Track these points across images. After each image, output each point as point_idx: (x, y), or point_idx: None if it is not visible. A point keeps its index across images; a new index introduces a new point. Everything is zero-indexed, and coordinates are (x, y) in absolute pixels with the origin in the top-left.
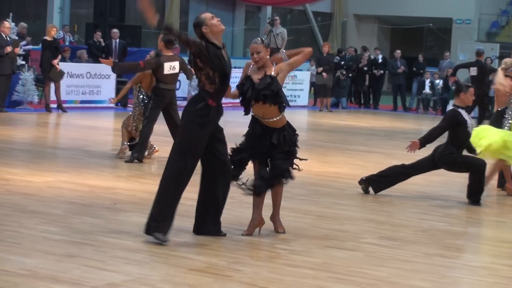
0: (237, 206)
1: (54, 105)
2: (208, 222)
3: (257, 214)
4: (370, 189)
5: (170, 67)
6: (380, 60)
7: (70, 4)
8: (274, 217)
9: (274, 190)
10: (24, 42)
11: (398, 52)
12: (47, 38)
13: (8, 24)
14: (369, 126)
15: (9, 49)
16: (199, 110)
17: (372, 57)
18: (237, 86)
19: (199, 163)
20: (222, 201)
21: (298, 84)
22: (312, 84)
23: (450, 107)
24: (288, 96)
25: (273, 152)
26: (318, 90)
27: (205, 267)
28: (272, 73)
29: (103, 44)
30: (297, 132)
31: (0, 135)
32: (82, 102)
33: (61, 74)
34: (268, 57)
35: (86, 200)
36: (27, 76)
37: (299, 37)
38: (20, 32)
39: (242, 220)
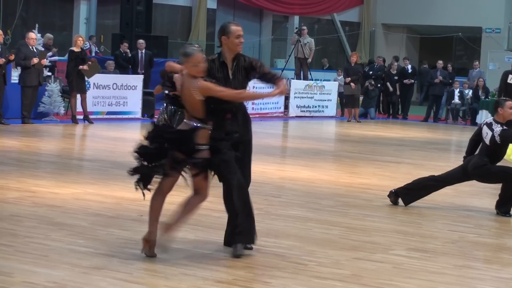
0: (264, 217)
1: (81, 117)
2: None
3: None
4: (400, 200)
5: None
6: (410, 70)
7: (96, 14)
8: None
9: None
10: (50, 53)
11: (440, 63)
12: (74, 49)
13: (33, 35)
14: (398, 137)
15: (35, 60)
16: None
17: (401, 66)
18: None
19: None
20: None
21: (326, 94)
22: (340, 94)
23: (482, 117)
24: (315, 107)
25: None
26: (346, 101)
27: (233, 279)
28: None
29: (130, 55)
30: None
31: (27, 146)
32: (108, 113)
33: (95, 68)
34: None
35: (113, 212)
36: (53, 87)
37: (327, 46)
38: (46, 43)
39: (270, 231)
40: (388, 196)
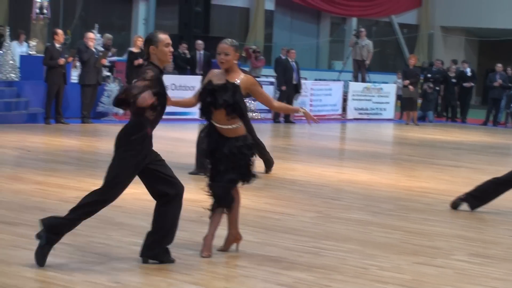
0: (324, 220)
1: None
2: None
3: (233, 229)
4: (460, 204)
5: None
6: (468, 73)
7: (155, 15)
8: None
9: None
10: (109, 53)
11: (499, 66)
12: (134, 49)
13: (92, 35)
14: (456, 140)
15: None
16: (136, 140)
17: (461, 69)
18: (199, 92)
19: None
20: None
21: (384, 97)
22: (398, 97)
23: None
24: (373, 109)
25: (221, 162)
26: (404, 103)
27: (294, 282)
28: (237, 81)
29: (188, 55)
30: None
31: (86, 146)
32: (167, 113)
33: None
34: (236, 62)
35: None
36: (113, 87)
37: (384, 49)
38: (105, 43)
39: (330, 234)
40: (455, 203)
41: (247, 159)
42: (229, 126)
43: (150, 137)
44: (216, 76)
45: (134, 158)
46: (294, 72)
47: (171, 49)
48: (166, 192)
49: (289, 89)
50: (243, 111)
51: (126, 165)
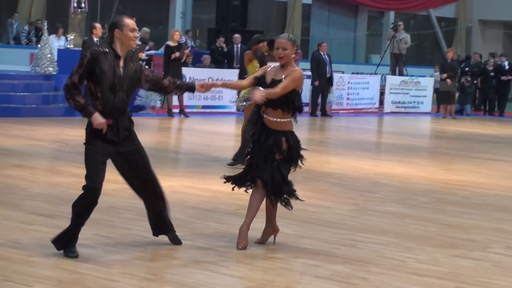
0: (361, 213)
1: (176, 110)
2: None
3: (271, 221)
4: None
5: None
6: (506, 67)
7: (192, 9)
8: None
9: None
10: (147, 47)
11: None
12: (170, 43)
13: None
14: (494, 134)
15: (141, 54)
16: (94, 130)
17: (498, 63)
18: (254, 81)
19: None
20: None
21: (421, 90)
22: (435, 90)
23: None
24: (411, 103)
25: (268, 155)
26: (441, 97)
27: (330, 275)
28: (283, 77)
29: (226, 49)
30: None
31: None
32: (204, 107)
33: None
34: (293, 56)
35: (210, 205)
36: None
37: (422, 42)
38: (142, 37)
39: (367, 227)
40: None
41: (299, 156)
42: (277, 119)
43: (113, 126)
44: (270, 71)
45: (96, 149)
46: (327, 65)
47: (136, 35)
48: (138, 188)
49: (323, 82)
50: (298, 106)
51: (90, 157)
